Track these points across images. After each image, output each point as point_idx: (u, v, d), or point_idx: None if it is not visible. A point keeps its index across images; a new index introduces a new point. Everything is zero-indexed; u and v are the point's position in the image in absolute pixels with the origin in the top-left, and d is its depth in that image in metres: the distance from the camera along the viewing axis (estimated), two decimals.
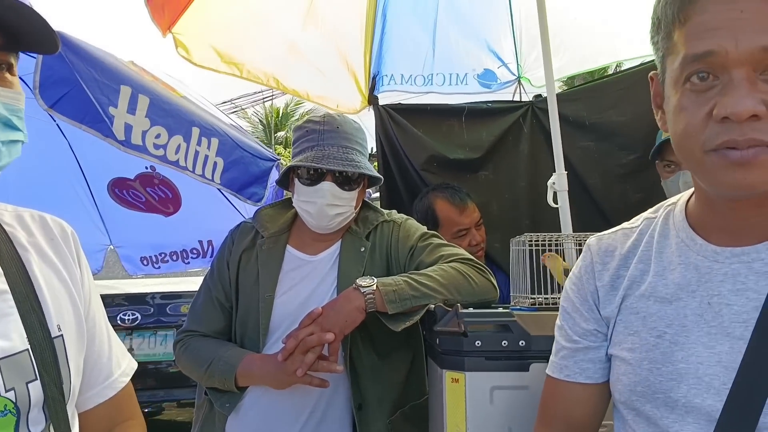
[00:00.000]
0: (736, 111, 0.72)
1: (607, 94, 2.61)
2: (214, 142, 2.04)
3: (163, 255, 3.11)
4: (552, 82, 2.11)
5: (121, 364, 1.04)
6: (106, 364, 1.02)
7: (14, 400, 0.82)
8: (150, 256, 3.13)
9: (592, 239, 1.02)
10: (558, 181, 1.94)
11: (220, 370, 1.51)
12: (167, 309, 3.68)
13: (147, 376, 3.58)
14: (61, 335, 0.90)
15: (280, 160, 2.40)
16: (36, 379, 0.85)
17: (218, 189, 2.41)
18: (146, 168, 2.79)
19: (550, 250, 1.49)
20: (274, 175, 2.40)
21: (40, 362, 0.85)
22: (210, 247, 3.03)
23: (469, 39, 2.84)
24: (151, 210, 2.87)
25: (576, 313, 0.98)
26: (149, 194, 2.83)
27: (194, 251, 3.05)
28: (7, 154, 0.85)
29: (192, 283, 3.58)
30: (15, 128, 0.85)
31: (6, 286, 0.85)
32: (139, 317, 3.58)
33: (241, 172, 2.22)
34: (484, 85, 2.86)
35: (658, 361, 0.85)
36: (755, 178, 0.75)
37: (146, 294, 3.69)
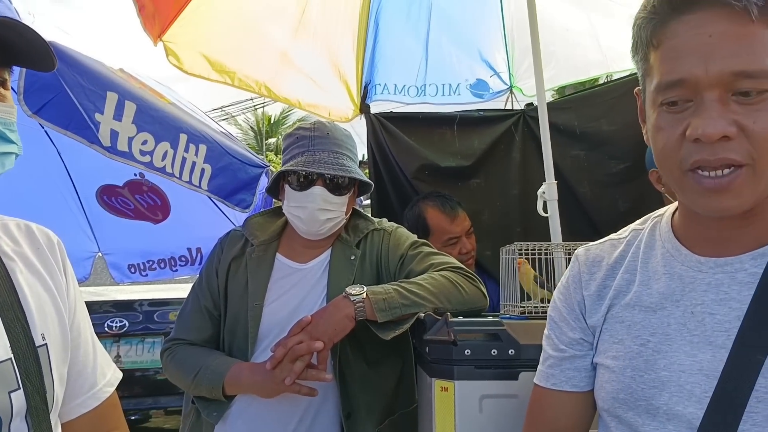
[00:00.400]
0: (707, 133, 0.75)
1: (597, 103, 2.63)
2: (202, 148, 2.02)
3: (150, 262, 3.07)
4: (542, 91, 2.13)
5: (105, 374, 1.04)
6: (91, 374, 1.01)
7: None
8: (138, 264, 3.09)
9: (580, 250, 1.03)
10: (548, 191, 1.95)
11: (208, 378, 1.50)
12: (155, 316, 3.65)
13: (134, 384, 3.55)
14: (45, 344, 0.90)
15: (269, 167, 2.37)
16: (19, 388, 0.84)
17: (207, 196, 2.40)
18: (135, 175, 2.76)
19: (539, 259, 1.50)
20: (264, 182, 2.39)
21: (23, 372, 0.85)
22: (199, 254, 2.98)
23: (461, 49, 2.85)
24: (139, 217, 2.84)
25: (563, 322, 0.99)
26: (138, 201, 2.79)
27: (182, 259, 3.01)
28: (0, 166, 0.86)
29: (180, 291, 3.56)
30: (8, 141, 0.85)
31: None
32: (127, 324, 3.55)
33: (230, 179, 2.20)
34: (477, 95, 2.88)
35: (641, 368, 0.86)
36: (729, 202, 0.77)
37: (134, 301, 3.66)
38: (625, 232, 1.00)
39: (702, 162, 0.76)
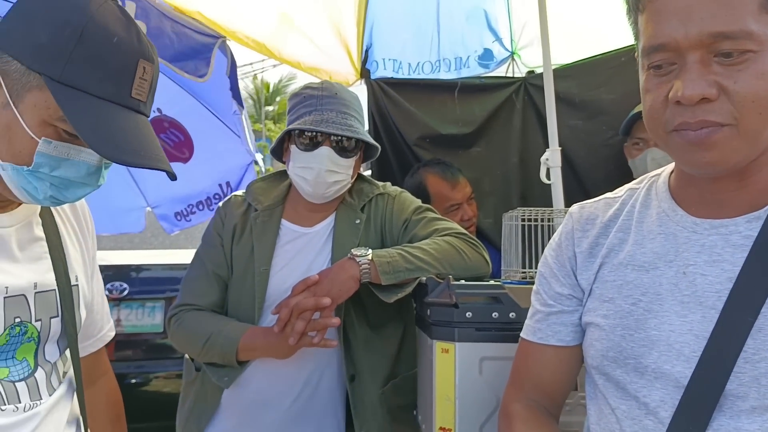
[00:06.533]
0: (686, 95, 0.76)
1: (598, 71, 2.60)
2: (130, 5, 1.85)
3: (191, 207, 3.00)
4: (548, 57, 2.10)
5: (109, 321, 1.25)
6: (99, 320, 1.21)
7: (39, 330, 0.97)
8: (181, 210, 3.04)
9: (575, 207, 1.04)
10: (551, 158, 1.94)
11: (221, 344, 1.49)
12: (155, 281, 3.66)
13: (134, 347, 3.57)
14: (77, 285, 1.06)
15: (225, 38, 2.14)
16: (58, 315, 1.00)
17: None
18: (154, 111, 2.58)
19: (542, 226, 1.50)
20: (219, 56, 2.21)
21: (63, 303, 1.00)
22: (229, 188, 2.88)
23: (469, 18, 2.79)
24: (170, 159, 2.72)
25: (552, 278, 1.01)
26: (164, 141, 2.66)
27: (216, 196, 2.92)
28: (84, 195, 0.97)
29: (180, 256, 3.56)
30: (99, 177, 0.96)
31: (43, 234, 1.00)
32: (128, 288, 3.57)
33: (170, 41, 2.03)
34: (483, 65, 2.84)
35: (631, 327, 0.88)
36: (712, 157, 0.78)
37: (134, 265, 3.67)
38: (621, 191, 1.01)
39: (683, 125, 0.78)
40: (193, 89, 2.51)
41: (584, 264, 0.97)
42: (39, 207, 1.01)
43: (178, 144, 2.72)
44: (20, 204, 0.98)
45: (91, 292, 1.14)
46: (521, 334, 1.05)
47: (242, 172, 2.81)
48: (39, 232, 1.00)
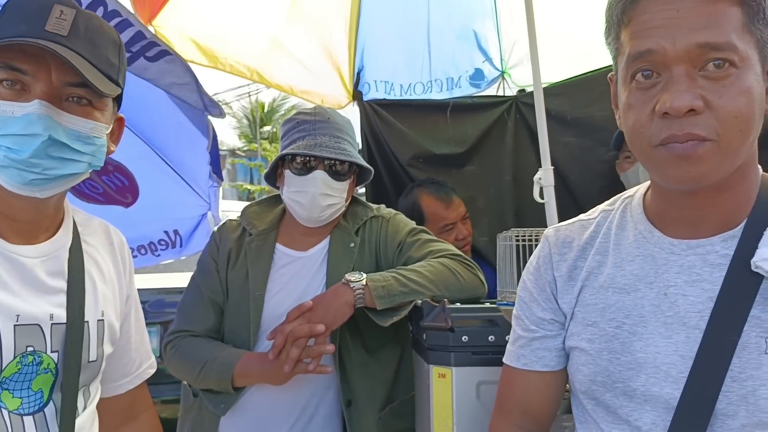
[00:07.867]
0: (674, 106, 0.76)
1: (590, 89, 2.61)
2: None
3: (131, 250, 2.91)
4: (538, 76, 2.11)
5: (150, 357, 1.26)
6: (137, 357, 1.22)
7: (56, 362, 0.97)
8: None
9: (550, 230, 1.04)
10: (544, 177, 1.94)
11: (216, 371, 1.48)
12: (150, 306, 3.63)
13: None
14: (103, 320, 1.07)
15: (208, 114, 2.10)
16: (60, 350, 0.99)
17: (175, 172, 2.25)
18: None
19: (536, 246, 1.50)
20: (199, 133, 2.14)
21: (69, 337, 1.00)
22: (177, 236, 2.74)
23: (459, 38, 2.82)
24: (110, 201, 2.57)
25: (533, 302, 1.00)
26: (106, 184, 2.54)
27: (162, 242, 2.76)
28: (61, 167, 0.94)
29: (175, 280, 3.52)
30: (75, 151, 0.95)
31: (66, 269, 1.02)
32: None
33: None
34: (475, 85, 2.86)
35: (617, 351, 0.88)
36: (697, 172, 0.78)
37: None
38: (594, 212, 1.01)
39: (670, 138, 0.78)
40: (154, 142, 2.47)
41: (564, 288, 0.97)
42: (68, 243, 1.05)
43: (120, 188, 2.60)
44: (49, 238, 1.02)
45: (127, 330, 1.17)
46: (504, 360, 1.04)
47: (195, 223, 2.66)
48: (65, 267, 1.03)
